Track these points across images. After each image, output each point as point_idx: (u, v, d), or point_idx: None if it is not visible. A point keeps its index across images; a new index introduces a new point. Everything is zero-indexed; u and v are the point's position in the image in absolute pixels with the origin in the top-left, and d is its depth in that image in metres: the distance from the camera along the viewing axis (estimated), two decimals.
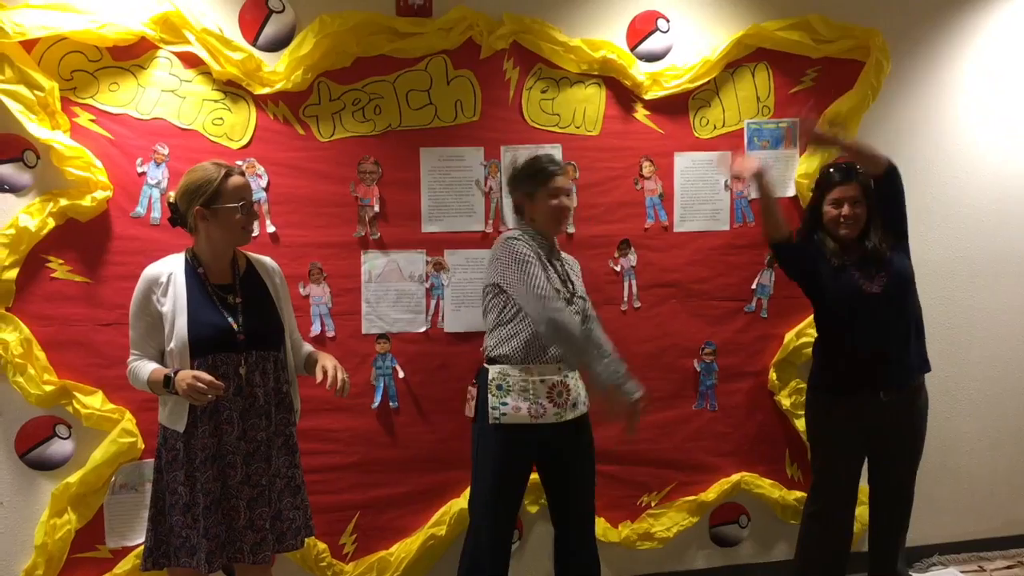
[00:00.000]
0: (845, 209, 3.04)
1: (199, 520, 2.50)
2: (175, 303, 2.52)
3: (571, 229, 3.45)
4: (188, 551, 2.51)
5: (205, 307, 2.54)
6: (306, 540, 2.72)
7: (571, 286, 2.95)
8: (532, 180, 2.93)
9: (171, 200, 2.60)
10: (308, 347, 2.86)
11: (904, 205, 3.08)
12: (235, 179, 2.56)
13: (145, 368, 2.51)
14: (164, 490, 2.55)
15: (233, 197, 2.54)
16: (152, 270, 2.58)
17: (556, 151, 3.43)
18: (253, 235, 2.68)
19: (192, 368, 2.47)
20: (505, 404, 2.84)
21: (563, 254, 3.06)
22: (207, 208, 2.52)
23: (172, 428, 2.53)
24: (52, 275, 3.06)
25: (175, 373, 2.42)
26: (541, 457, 2.99)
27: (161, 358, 2.56)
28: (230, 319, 2.55)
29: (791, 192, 3.63)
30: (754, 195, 3.07)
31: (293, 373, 2.74)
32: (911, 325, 3.11)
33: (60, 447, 3.12)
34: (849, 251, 3.09)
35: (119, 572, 3.12)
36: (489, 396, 2.87)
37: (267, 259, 2.79)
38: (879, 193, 3.05)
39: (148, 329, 2.55)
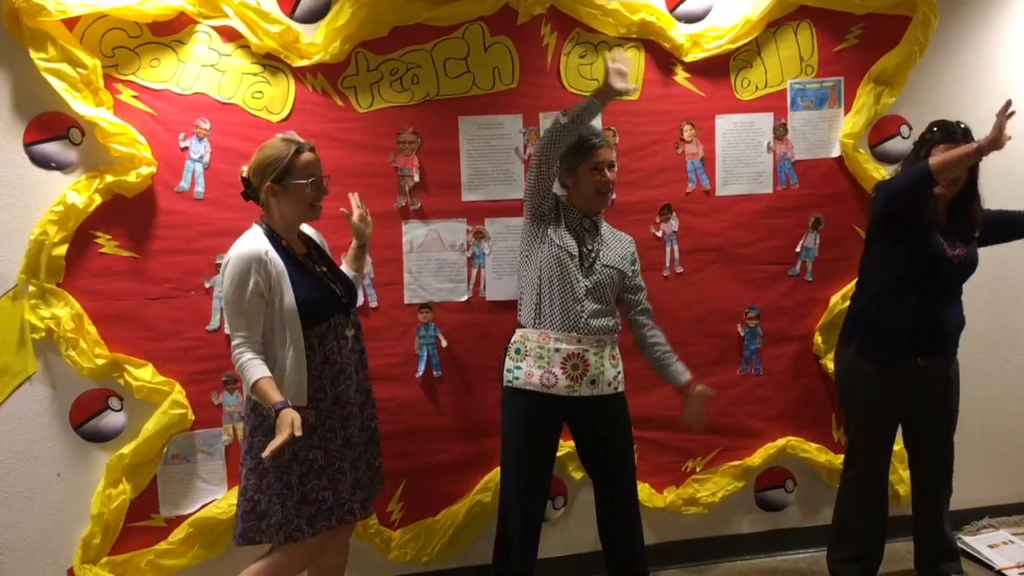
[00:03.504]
0: None
1: (337, 478, 2.61)
2: (279, 278, 2.54)
3: (612, 195, 3.42)
4: (326, 514, 2.60)
5: (307, 277, 2.63)
6: None
7: (593, 256, 2.91)
8: (574, 153, 2.89)
9: (244, 175, 2.65)
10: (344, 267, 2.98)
11: None
12: (305, 156, 2.61)
13: (255, 371, 2.48)
14: (290, 461, 2.56)
15: (303, 173, 2.59)
16: (248, 250, 2.53)
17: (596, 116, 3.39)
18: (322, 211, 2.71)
19: (306, 335, 2.56)
20: (519, 368, 2.86)
21: (616, 233, 3.05)
22: (278, 184, 2.58)
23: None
24: (100, 251, 3.11)
25: (283, 406, 2.41)
26: (572, 427, 3.01)
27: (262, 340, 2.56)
28: (333, 285, 2.68)
29: (836, 152, 3.57)
30: (979, 144, 2.78)
31: None
32: (961, 302, 3.14)
33: (113, 419, 3.18)
34: (940, 214, 3.06)
35: (173, 540, 3.19)
36: (507, 359, 2.91)
37: (308, 227, 2.85)
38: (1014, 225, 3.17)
39: (255, 312, 2.52)
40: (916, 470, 3.29)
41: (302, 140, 2.67)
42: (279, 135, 2.70)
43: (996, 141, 2.76)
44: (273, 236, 2.62)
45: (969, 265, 3.07)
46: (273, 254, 2.56)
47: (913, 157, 3.08)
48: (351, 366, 2.69)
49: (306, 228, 2.83)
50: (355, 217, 2.96)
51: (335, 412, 2.63)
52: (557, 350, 2.83)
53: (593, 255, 2.90)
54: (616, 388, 2.93)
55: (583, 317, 2.84)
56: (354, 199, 3.00)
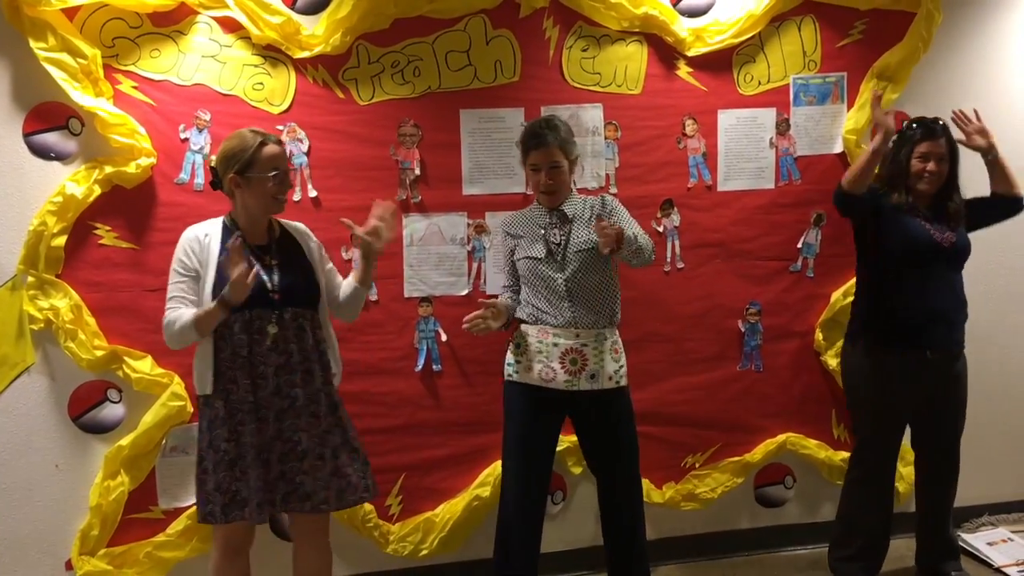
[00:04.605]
0: (931, 165, 3.02)
1: (248, 472, 2.56)
2: (208, 262, 2.57)
3: (613, 189, 3.42)
4: (239, 504, 2.56)
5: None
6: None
7: (563, 247, 2.87)
8: (520, 149, 2.94)
9: (212, 164, 2.64)
10: (348, 279, 2.88)
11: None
12: (269, 148, 2.57)
13: (187, 313, 2.53)
14: (207, 448, 2.59)
15: (266, 166, 2.56)
16: (191, 231, 2.65)
17: (597, 111, 3.39)
18: (287, 204, 2.69)
19: (227, 322, 2.53)
20: (519, 362, 2.88)
21: (586, 200, 2.97)
22: (240, 176, 2.56)
23: (201, 393, 2.60)
24: (100, 242, 3.10)
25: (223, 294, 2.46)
26: (573, 421, 3.01)
27: None
28: (264, 277, 2.58)
29: (838, 148, 3.56)
30: (874, 146, 2.96)
31: (332, 335, 2.79)
32: (962, 291, 3.12)
33: (112, 411, 3.17)
34: (921, 206, 3.08)
35: (171, 532, 3.18)
36: (508, 353, 2.93)
37: (300, 224, 2.82)
38: (990, 207, 3.16)
39: (187, 285, 2.59)
40: (922, 468, 3.29)
41: (268, 132, 2.65)
42: (279, 127, 2.68)
43: (887, 134, 2.96)
44: (232, 226, 2.63)
45: (962, 250, 3.08)
46: (213, 240, 2.60)
47: (893, 155, 3.11)
48: (267, 367, 2.58)
49: (298, 225, 2.81)
50: (360, 230, 2.70)
51: (246, 402, 2.57)
52: (556, 345, 2.83)
53: (562, 247, 2.88)
54: (618, 382, 2.91)
55: (574, 312, 2.84)
56: (379, 209, 2.77)
